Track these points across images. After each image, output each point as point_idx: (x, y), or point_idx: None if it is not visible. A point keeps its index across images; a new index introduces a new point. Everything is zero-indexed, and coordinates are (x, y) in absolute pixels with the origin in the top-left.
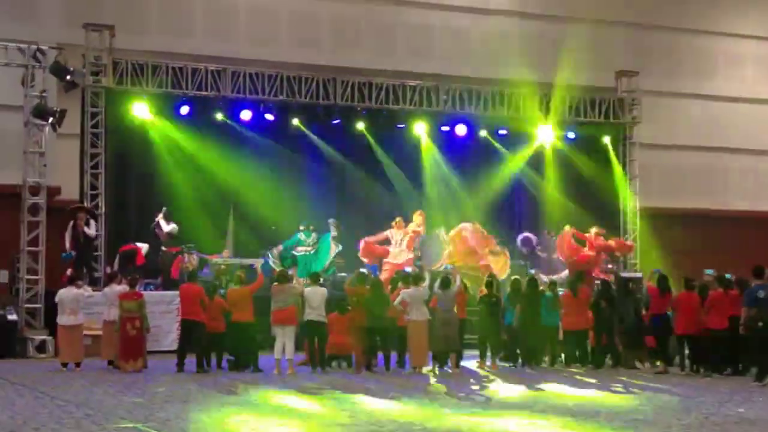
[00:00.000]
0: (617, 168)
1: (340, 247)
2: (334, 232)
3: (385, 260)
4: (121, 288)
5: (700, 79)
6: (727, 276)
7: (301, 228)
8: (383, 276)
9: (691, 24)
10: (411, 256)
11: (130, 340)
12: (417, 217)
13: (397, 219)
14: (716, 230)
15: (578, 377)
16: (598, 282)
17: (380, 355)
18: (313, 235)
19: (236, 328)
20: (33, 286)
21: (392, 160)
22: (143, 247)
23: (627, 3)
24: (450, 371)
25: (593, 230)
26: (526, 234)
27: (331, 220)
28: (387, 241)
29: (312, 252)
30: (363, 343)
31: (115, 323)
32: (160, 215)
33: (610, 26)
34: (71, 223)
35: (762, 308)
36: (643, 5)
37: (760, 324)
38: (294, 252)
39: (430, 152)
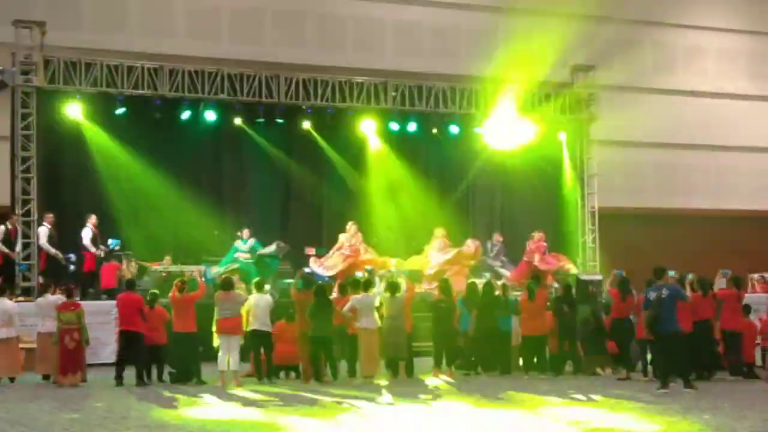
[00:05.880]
0: (574, 166)
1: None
2: (271, 248)
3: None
4: (56, 298)
5: (660, 73)
6: (689, 276)
7: (238, 234)
8: None
9: (649, 16)
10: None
11: (69, 353)
12: (351, 227)
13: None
14: (678, 230)
15: (538, 384)
16: (556, 286)
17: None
18: (250, 241)
19: (178, 338)
20: None
21: (341, 159)
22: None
23: None
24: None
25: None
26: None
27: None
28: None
29: (251, 259)
30: (308, 352)
31: (51, 335)
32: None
33: (566, 18)
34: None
35: (654, 310)
36: None
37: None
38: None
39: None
